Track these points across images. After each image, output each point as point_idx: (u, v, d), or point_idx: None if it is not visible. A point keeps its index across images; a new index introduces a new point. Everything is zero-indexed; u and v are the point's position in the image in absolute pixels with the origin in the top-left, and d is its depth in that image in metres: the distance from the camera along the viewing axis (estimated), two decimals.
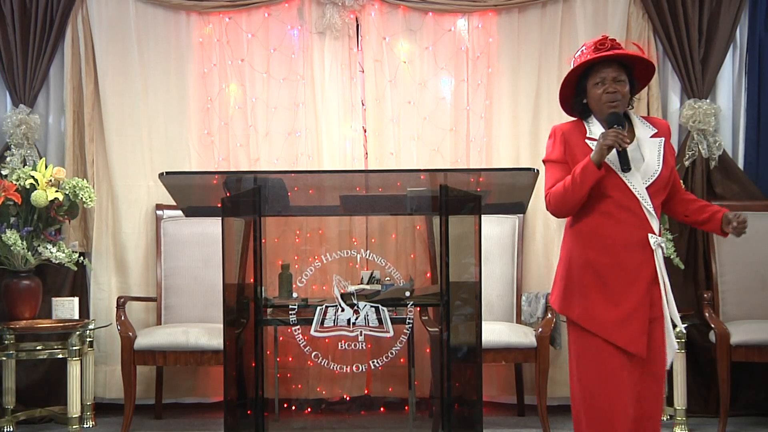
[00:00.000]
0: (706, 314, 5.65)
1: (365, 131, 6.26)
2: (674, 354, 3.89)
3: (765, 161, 6.13)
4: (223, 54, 6.26)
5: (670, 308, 3.81)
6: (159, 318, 6.02)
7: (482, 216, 4.49)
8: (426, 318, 5.66)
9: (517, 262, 6.07)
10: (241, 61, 6.25)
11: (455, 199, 4.47)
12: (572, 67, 3.90)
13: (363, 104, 6.26)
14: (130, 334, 5.56)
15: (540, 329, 5.61)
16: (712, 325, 5.58)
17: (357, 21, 6.25)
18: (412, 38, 6.26)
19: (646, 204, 3.76)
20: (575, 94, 3.94)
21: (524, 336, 5.60)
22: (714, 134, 6.08)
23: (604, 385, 3.77)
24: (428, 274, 6.00)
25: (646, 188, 3.78)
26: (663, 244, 3.81)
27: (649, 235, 3.77)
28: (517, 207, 4.90)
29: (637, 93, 4.01)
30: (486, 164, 6.18)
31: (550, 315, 5.68)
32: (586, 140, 3.84)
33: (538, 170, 4.41)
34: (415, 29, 6.25)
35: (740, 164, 6.13)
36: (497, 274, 6.01)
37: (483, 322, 4.51)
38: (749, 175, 6.08)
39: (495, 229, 5.98)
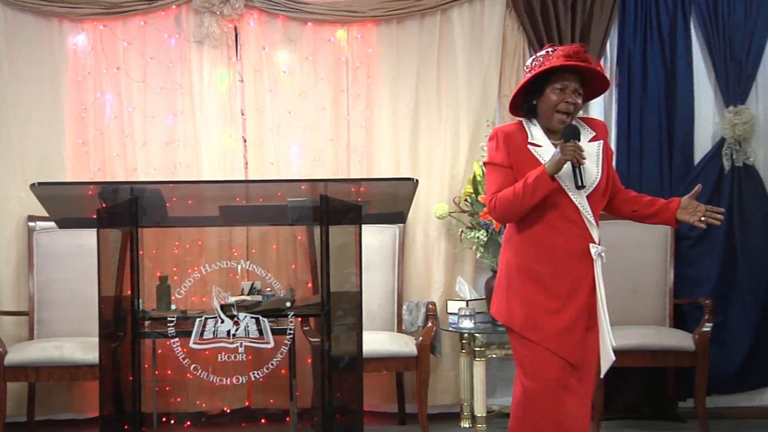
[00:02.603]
0: None
1: (245, 141, 6.22)
2: (610, 363, 3.79)
3: (635, 171, 6.31)
4: (98, 62, 6.13)
5: (606, 321, 3.76)
6: (31, 332, 5.85)
7: (363, 226, 4.51)
8: (307, 328, 5.65)
9: (398, 271, 6.12)
10: (117, 69, 6.13)
11: (336, 209, 4.48)
12: (547, 65, 3.75)
13: (243, 114, 6.22)
14: (0, 349, 5.38)
15: (420, 338, 5.66)
16: None
17: (236, 30, 6.20)
18: (291, 48, 6.25)
19: (587, 213, 3.72)
20: (525, 93, 3.83)
21: (405, 345, 5.65)
22: None
23: (544, 393, 3.71)
24: (310, 284, 5.99)
25: (587, 197, 3.73)
26: (603, 253, 3.76)
27: (591, 245, 3.72)
28: (398, 216, 4.93)
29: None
30: (366, 173, 6.21)
31: (430, 323, 5.74)
32: (529, 145, 3.77)
33: (417, 180, 4.45)
34: (294, 39, 6.25)
35: None
36: (378, 283, 6.04)
37: (364, 332, 4.53)
38: (627, 187, 6.22)
39: (376, 238, 6.01)
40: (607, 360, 3.76)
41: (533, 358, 3.75)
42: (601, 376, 3.80)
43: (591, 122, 3.95)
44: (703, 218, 3.79)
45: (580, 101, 3.79)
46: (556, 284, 3.73)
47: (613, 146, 6.33)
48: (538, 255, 3.75)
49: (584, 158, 3.65)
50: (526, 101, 3.84)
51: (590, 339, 3.78)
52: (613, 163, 6.15)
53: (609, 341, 3.75)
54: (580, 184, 3.65)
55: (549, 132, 3.81)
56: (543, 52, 3.81)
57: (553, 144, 3.76)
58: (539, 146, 3.77)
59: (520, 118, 3.90)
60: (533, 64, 3.81)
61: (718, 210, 3.82)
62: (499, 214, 3.79)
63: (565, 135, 3.71)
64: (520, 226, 3.79)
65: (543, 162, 3.71)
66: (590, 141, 3.81)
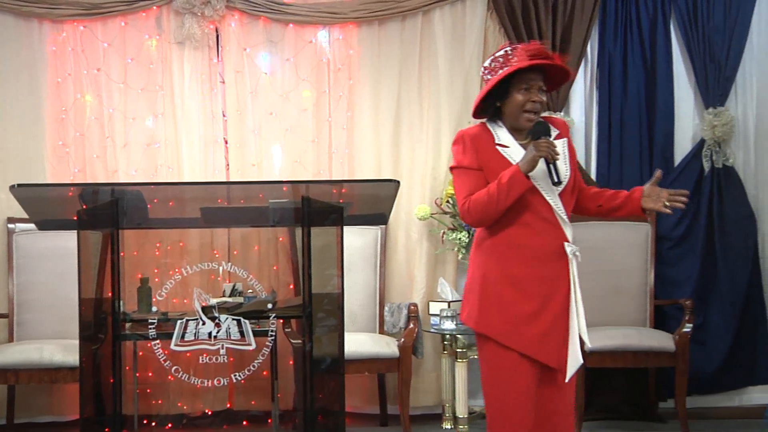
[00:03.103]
0: None
1: (226, 143, 6.21)
2: (577, 367, 3.68)
3: (616, 172, 6.33)
4: (78, 63, 6.10)
5: (579, 322, 3.67)
6: (11, 335, 5.82)
7: (344, 227, 4.50)
8: (289, 330, 5.65)
9: (380, 272, 6.12)
10: (97, 70, 6.11)
11: (317, 210, 4.47)
12: (513, 66, 3.64)
13: (224, 115, 6.21)
14: None
15: (402, 339, 5.67)
16: None
17: (217, 31, 6.19)
18: (273, 49, 6.25)
19: (560, 212, 3.65)
20: (488, 96, 3.72)
21: (387, 346, 5.65)
22: None
23: (522, 402, 3.63)
24: (291, 286, 5.99)
25: (558, 195, 3.66)
26: (578, 253, 3.69)
27: (566, 243, 3.66)
28: (379, 218, 4.93)
29: None
30: (348, 175, 6.21)
31: (412, 325, 5.75)
32: (497, 146, 3.69)
33: (399, 182, 4.45)
34: (276, 41, 6.24)
35: (593, 175, 6.31)
36: (360, 284, 6.04)
37: (346, 333, 4.52)
38: (601, 186, 6.24)
39: (357, 239, 6.01)
40: (574, 363, 3.66)
41: (508, 367, 3.65)
42: (566, 380, 3.67)
43: (552, 121, 3.86)
44: (667, 203, 3.72)
45: (544, 98, 3.73)
46: (534, 286, 3.65)
47: (593, 148, 6.38)
48: (515, 256, 3.67)
49: (558, 154, 3.60)
50: (490, 104, 3.74)
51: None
52: (593, 166, 6.30)
53: (578, 344, 3.67)
54: (556, 180, 3.60)
55: (514, 132, 3.73)
56: (501, 53, 3.72)
57: (519, 144, 3.70)
58: (506, 147, 3.69)
59: (483, 120, 3.81)
60: (492, 65, 3.72)
61: (681, 192, 3.75)
62: (474, 218, 3.69)
63: (536, 132, 3.65)
64: (494, 228, 3.70)
65: (512, 163, 3.64)
66: (554, 139, 3.72)
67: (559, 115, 6.13)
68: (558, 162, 3.64)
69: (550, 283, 3.66)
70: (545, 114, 3.98)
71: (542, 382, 3.66)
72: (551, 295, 3.66)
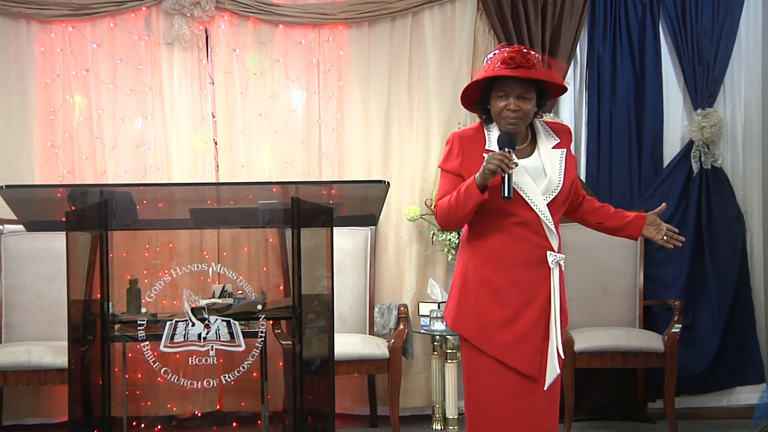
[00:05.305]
0: None
1: (216, 143, 6.20)
2: (554, 376, 3.67)
3: (605, 173, 6.34)
4: (67, 64, 6.08)
5: (556, 332, 3.65)
6: None
7: (334, 228, 4.49)
8: (279, 331, 5.64)
9: (370, 273, 6.11)
10: (86, 71, 6.09)
11: (307, 211, 4.47)
12: (474, 78, 3.67)
13: (213, 116, 6.20)
14: None
15: (392, 340, 5.67)
16: None
17: (206, 32, 6.18)
18: (262, 50, 6.24)
19: (547, 221, 3.61)
20: (481, 98, 3.71)
21: (377, 347, 5.65)
22: None
23: (495, 406, 3.64)
24: (281, 287, 5.98)
25: (547, 204, 3.62)
26: (562, 262, 3.67)
27: (548, 252, 3.63)
28: (369, 219, 4.92)
29: (546, 102, 3.80)
30: (338, 176, 6.21)
31: (402, 326, 5.75)
32: (485, 153, 3.62)
33: (388, 183, 4.45)
34: (265, 41, 6.23)
35: (582, 176, 6.31)
36: (350, 286, 6.04)
37: (336, 335, 4.52)
38: (591, 187, 6.27)
39: (347, 241, 6.01)
40: (552, 373, 3.66)
41: (484, 371, 3.67)
42: (545, 388, 3.66)
43: (556, 128, 3.82)
44: (665, 237, 3.82)
45: (528, 105, 3.63)
46: (511, 292, 3.64)
47: (582, 149, 6.38)
48: (494, 261, 3.65)
49: (512, 167, 3.50)
50: (480, 108, 3.73)
51: (548, 348, 3.67)
52: (583, 167, 6.31)
53: (557, 353, 3.65)
54: (505, 194, 3.51)
55: None
56: (490, 55, 3.71)
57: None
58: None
59: (480, 120, 3.78)
60: (484, 67, 3.71)
61: (679, 238, 3.85)
62: (440, 222, 3.72)
63: (500, 141, 3.59)
64: (477, 232, 3.69)
65: None
66: (554, 147, 3.72)
67: (549, 117, 6.13)
68: (549, 173, 3.63)
69: (528, 290, 3.65)
70: (548, 119, 3.92)
71: (522, 389, 3.65)
72: (528, 302, 3.65)
